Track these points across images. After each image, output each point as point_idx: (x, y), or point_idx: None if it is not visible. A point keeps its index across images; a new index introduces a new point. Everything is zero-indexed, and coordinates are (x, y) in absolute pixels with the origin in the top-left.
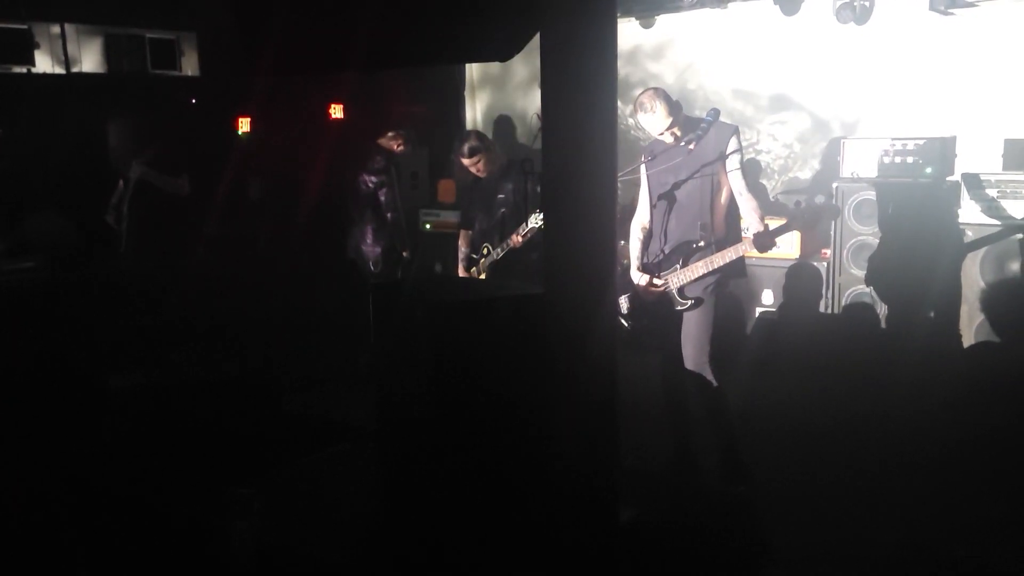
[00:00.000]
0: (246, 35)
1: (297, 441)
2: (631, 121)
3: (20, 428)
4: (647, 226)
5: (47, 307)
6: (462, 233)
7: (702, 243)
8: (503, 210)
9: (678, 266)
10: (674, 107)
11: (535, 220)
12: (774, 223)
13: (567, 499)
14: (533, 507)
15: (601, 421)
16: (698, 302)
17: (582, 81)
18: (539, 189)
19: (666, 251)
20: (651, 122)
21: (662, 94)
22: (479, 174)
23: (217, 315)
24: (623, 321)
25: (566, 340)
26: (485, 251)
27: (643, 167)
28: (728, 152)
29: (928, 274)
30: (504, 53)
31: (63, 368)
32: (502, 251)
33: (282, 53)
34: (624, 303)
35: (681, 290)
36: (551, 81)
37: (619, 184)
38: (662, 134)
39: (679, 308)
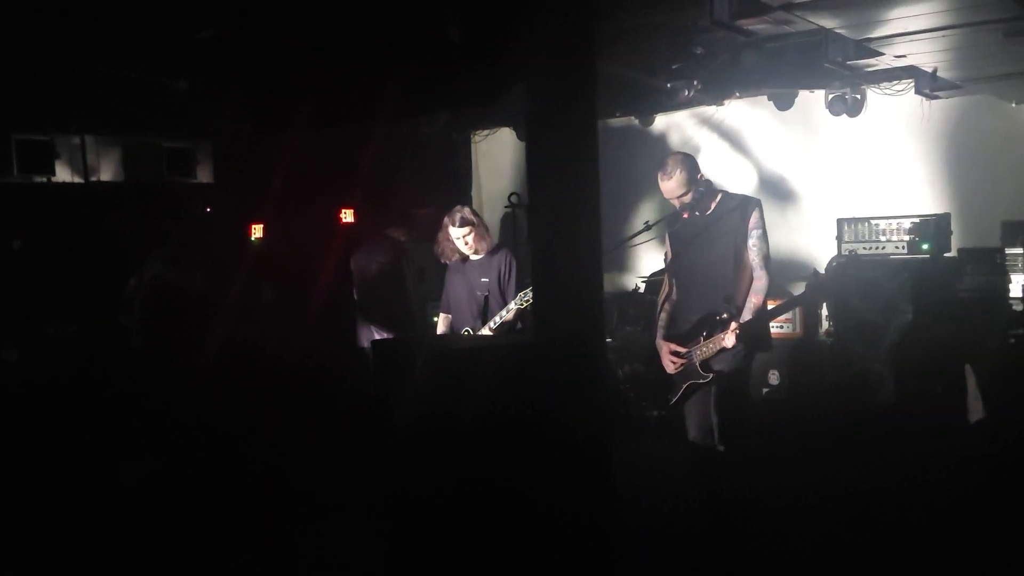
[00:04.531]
0: (250, 95)
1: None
2: None
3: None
4: (672, 297)
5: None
6: (441, 317)
7: (726, 315)
8: (486, 295)
9: (702, 338)
10: (694, 179)
11: (506, 312)
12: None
13: (561, 544)
14: (526, 551)
15: (595, 470)
16: (720, 375)
17: (566, 123)
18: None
19: (691, 322)
20: (667, 186)
21: (688, 162)
22: (467, 249)
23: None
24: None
25: (556, 385)
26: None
27: (667, 239)
28: (750, 226)
29: (932, 348)
30: (485, 99)
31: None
32: None
33: (281, 111)
34: (653, 376)
35: (705, 363)
36: (536, 124)
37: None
38: (673, 200)
39: (702, 381)
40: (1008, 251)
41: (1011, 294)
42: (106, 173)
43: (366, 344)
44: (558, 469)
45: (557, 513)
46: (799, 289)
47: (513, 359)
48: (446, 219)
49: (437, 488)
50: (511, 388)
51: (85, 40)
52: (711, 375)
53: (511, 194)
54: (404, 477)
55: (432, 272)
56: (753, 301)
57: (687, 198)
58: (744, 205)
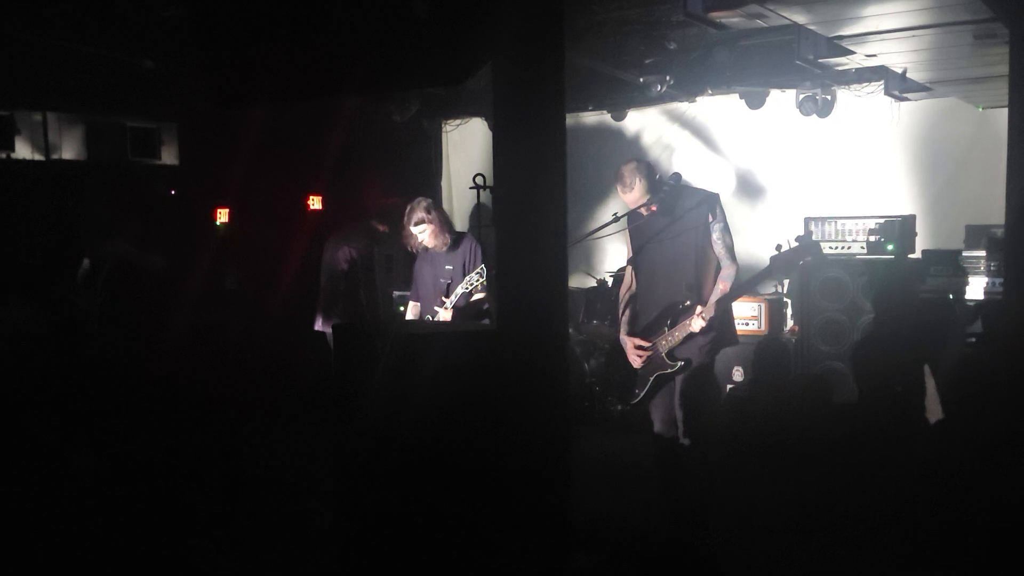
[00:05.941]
0: (212, 67)
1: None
2: None
3: None
4: (635, 293)
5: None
6: (410, 305)
7: (687, 303)
8: (449, 283)
9: (666, 328)
10: (654, 183)
11: (455, 297)
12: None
13: (514, 532)
14: (480, 539)
15: (552, 460)
16: (688, 364)
17: (533, 105)
18: (482, 263)
19: (654, 315)
20: (630, 198)
21: (644, 169)
22: (427, 244)
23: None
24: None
25: (516, 371)
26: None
27: (628, 234)
28: (711, 220)
29: (893, 347)
30: (455, 77)
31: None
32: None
33: (242, 86)
34: (618, 372)
35: (671, 352)
36: (502, 106)
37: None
38: (639, 209)
39: (669, 371)
40: (970, 254)
41: (970, 296)
42: (68, 151)
43: (319, 327)
44: (515, 458)
45: (511, 501)
46: (765, 288)
47: (474, 347)
48: (405, 215)
49: (388, 475)
50: (471, 376)
51: (49, 14)
52: (678, 364)
53: (476, 175)
54: (357, 464)
55: (400, 261)
56: (720, 287)
57: (653, 205)
58: (703, 200)
